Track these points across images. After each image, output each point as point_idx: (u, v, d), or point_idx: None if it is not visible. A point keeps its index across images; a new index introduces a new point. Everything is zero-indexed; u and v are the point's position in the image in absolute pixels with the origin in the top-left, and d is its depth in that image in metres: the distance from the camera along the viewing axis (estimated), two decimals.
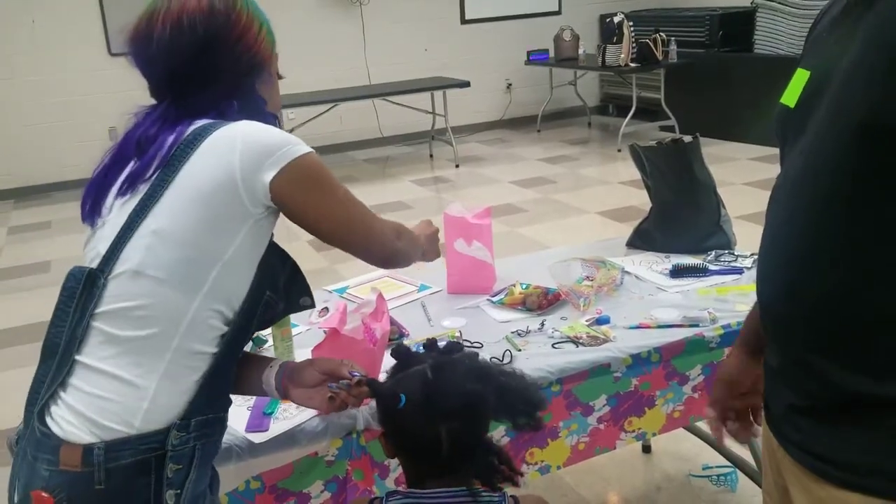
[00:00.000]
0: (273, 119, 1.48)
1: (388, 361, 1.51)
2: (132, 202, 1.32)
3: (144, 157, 1.35)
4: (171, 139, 1.34)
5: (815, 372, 1.13)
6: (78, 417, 1.23)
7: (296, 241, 6.91)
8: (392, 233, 1.56)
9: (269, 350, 2.08)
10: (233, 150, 1.31)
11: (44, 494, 1.21)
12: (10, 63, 7.29)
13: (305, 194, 1.38)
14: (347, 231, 1.47)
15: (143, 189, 1.32)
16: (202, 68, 1.39)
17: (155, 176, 1.32)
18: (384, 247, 1.53)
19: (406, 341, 2.00)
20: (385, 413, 1.40)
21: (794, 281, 1.16)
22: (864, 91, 1.01)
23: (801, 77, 1.20)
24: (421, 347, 1.49)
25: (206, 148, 1.32)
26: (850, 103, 1.04)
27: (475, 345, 2.03)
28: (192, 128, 1.35)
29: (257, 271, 1.38)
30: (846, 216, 1.06)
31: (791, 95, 1.21)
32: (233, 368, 1.39)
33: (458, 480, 1.33)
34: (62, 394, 1.26)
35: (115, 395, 1.24)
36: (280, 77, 1.55)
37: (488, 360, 1.48)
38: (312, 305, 1.53)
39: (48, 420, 1.26)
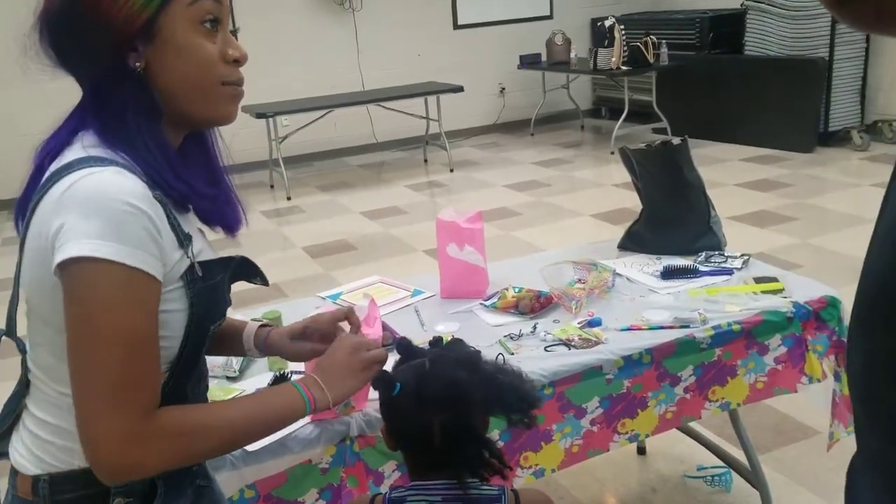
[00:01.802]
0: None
1: None
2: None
3: (26, 186, 1.16)
4: (37, 164, 1.16)
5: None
6: (27, 450, 1.20)
7: (291, 249, 6.90)
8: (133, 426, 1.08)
9: (262, 359, 2.08)
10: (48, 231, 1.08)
11: None
12: (3, 73, 7.29)
13: (68, 305, 1.08)
14: (77, 388, 1.09)
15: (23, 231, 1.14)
16: (60, 51, 1.16)
17: (24, 220, 1.13)
18: (98, 446, 1.08)
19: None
20: (383, 402, 1.42)
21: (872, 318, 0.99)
22: None
23: None
24: (427, 346, 1.50)
25: (37, 215, 1.10)
26: None
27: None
28: (54, 164, 1.12)
29: (188, 328, 1.18)
30: None
31: None
32: (184, 395, 1.25)
33: (453, 473, 1.34)
34: (18, 425, 1.24)
35: (54, 438, 1.18)
36: (212, 22, 1.16)
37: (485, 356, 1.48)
38: (265, 283, 1.41)
39: (9, 447, 1.25)
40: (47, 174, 1.11)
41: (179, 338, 1.18)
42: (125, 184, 1.07)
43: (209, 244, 1.29)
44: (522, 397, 1.38)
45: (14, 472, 1.22)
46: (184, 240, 1.16)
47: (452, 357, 1.39)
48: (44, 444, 1.19)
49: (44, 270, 1.08)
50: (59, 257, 1.04)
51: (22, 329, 1.23)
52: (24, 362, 1.24)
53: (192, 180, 1.20)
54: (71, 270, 1.05)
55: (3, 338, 1.26)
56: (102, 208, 1.04)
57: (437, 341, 1.49)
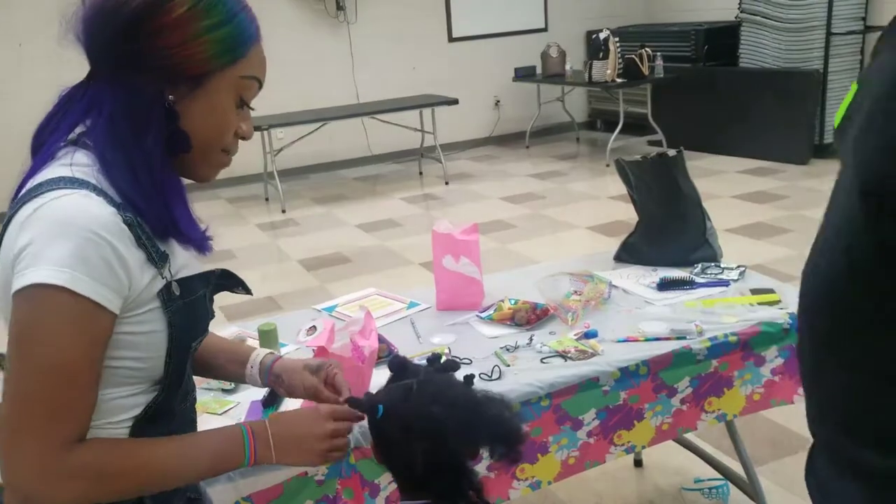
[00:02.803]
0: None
1: (377, 379, 1.52)
2: None
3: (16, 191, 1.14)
4: (32, 168, 1.15)
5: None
6: None
7: (286, 262, 6.87)
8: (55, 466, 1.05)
9: None
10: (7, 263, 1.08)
11: None
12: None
13: (11, 325, 1.07)
14: (3, 408, 1.06)
15: None
16: (103, 45, 1.13)
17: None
18: (13, 472, 1.05)
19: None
20: (368, 422, 1.41)
21: (805, 316, 1.06)
22: (871, 142, 0.86)
23: (851, 92, 0.99)
24: (425, 361, 1.49)
25: (7, 234, 1.09)
26: (859, 150, 0.88)
27: (464, 361, 2.03)
28: (31, 180, 1.11)
29: (170, 347, 1.18)
30: (846, 257, 0.94)
31: (840, 112, 1.01)
32: (171, 411, 1.24)
33: (433, 499, 1.33)
34: None
35: None
36: (246, 106, 1.21)
37: (474, 380, 1.44)
38: (248, 293, 1.39)
39: None
40: (23, 191, 1.10)
41: (163, 356, 1.17)
42: (91, 210, 1.06)
43: (196, 258, 1.27)
44: (508, 432, 1.34)
45: (0, 490, 1.21)
46: (158, 260, 1.14)
47: (437, 384, 1.36)
48: None
49: (9, 290, 1.07)
50: (18, 284, 1.03)
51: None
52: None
53: (180, 220, 1.19)
54: (21, 293, 1.04)
55: None
56: (63, 234, 1.03)
57: (434, 359, 1.48)
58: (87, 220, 1.05)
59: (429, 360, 1.48)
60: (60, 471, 1.06)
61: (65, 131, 1.15)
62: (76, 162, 1.11)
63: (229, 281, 1.35)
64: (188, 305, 1.20)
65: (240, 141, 1.24)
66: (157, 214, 1.14)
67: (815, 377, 1.04)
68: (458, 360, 1.48)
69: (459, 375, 1.42)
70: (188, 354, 1.24)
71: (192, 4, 1.10)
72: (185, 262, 1.23)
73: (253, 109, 1.23)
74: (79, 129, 1.15)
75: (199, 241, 1.24)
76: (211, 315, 1.30)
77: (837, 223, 0.96)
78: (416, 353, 2.05)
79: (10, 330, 1.06)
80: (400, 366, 1.42)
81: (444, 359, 1.48)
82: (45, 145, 1.16)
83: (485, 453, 1.35)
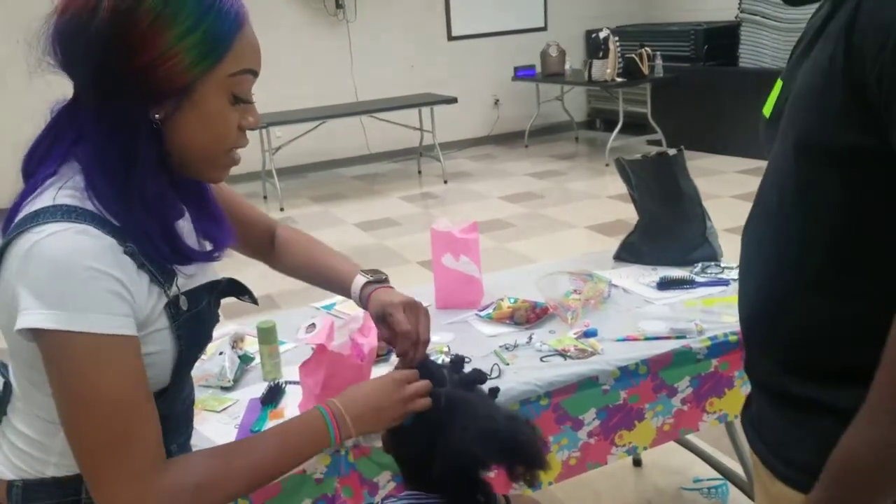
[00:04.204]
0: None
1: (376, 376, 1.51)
2: None
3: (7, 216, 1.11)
4: (25, 181, 1.12)
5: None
6: (3, 457, 1.20)
7: None
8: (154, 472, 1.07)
9: (256, 368, 2.07)
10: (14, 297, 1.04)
11: None
12: None
13: (49, 373, 1.07)
14: (77, 455, 1.08)
15: None
16: (78, 71, 1.08)
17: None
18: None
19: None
20: None
21: (747, 292, 1.26)
22: (805, 109, 1.05)
23: (777, 87, 1.21)
24: (446, 361, 1.47)
25: (4, 266, 1.06)
26: (795, 120, 1.08)
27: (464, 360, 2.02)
28: (27, 206, 1.07)
29: (177, 360, 1.18)
30: (781, 230, 1.13)
31: (769, 106, 1.21)
32: (168, 418, 1.22)
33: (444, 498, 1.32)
34: None
35: (30, 449, 1.18)
36: (242, 101, 1.14)
37: (496, 402, 1.43)
38: (255, 302, 1.38)
39: None
40: (18, 218, 1.07)
41: (169, 371, 1.17)
42: (87, 246, 1.03)
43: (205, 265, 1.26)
44: (530, 456, 1.31)
45: None
46: (164, 280, 1.13)
47: (467, 400, 1.34)
48: (20, 453, 1.19)
49: (10, 320, 1.05)
50: (22, 323, 1.01)
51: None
52: (3, 373, 1.24)
53: (181, 246, 1.17)
54: (43, 340, 1.03)
55: None
56: (64, 276, 1.01)
57: (457, 361, 1.46)
58: (85, 257, 1.02)
59: (452, 361, 1.46)
60: (161, 493, 1.07)
61: (55, 160, 1.11)
62: (73, 186, 1.08)
63: (235, 289, 1.34)
64: (194, 317, 1.19)
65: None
66: (152, 241, 1.11)
67: (755, 323, 1.24)
68: (481, 370, 1.44)
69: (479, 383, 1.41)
70: (193, 365, 1.24)
71: (156, 14, 1.02)
72: (194, 270, 1.21)
73: (251, 103, 1.17)
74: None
75: (203, 259, 1.23)
76: (216, 319, 1.29)
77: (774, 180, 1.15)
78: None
79: (51, 376, 1.05)
80: (424, 367, 1.40)
81: (468, 367, 1.45)
82: (38, 170, 1.12)
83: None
